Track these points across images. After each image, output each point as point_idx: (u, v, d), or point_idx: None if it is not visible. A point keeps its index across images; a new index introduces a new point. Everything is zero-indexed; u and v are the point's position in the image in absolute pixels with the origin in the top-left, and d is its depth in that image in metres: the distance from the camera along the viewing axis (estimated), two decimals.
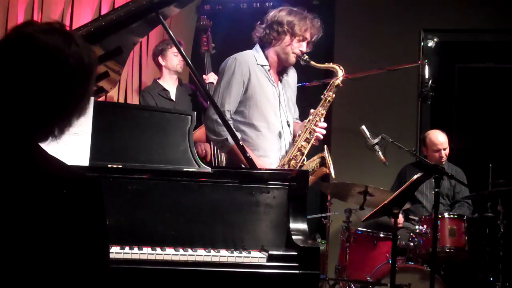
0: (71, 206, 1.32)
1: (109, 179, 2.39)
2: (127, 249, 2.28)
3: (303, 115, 3.71)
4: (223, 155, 4.24)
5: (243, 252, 2.39)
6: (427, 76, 4.04)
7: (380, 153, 3.60)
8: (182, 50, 2.89)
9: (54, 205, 1.30)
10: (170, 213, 2.42)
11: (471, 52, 5.71)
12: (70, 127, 1.43)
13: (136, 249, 2.29)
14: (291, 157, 3.42)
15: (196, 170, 2.53)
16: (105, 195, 1.37)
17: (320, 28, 3.51)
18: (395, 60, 4.73)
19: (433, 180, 3.58)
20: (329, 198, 4.59)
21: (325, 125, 3.49)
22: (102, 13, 4.66)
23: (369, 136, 3.61)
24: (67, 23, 4.55)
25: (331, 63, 3.55)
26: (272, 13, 3.50)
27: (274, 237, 2.49)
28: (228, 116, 3.36)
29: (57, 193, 1.31)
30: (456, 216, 4.54)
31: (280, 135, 3.48)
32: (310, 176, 3.36)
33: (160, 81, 4.61)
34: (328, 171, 3.45)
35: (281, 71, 3.58)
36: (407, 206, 4.24)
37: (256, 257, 2.36)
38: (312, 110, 3.48)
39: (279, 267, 2.37)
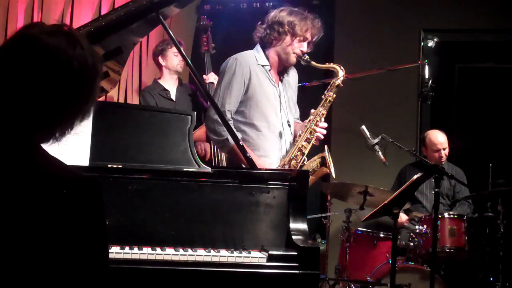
0: (71, 206, 1.32)
1: (109, 179, 2.39)
2: (127, 249, 2.28)
3: (303, 115, 3.71)
4: (223, 155, 4.24)
5: (243, 252, 2.39)
6: (427, 76, 4.04)
7: (380, 153, 3.60)
8: (182, 50, 2.89)
9: (54, 205, 1.30)
10: (170, 213, 2.42)
11: (471, 52, 5.71)
12: (72, 130, 1.43)
13: (136, 249, 2.29)
14: (291, 157, 3.42)
15: (196, 170, 2.53)
16: (105, 195, 1.37)
17: (321, 28, 3.51)
18: (395, 60, 4.73)
19: (433, 180, 3.58)
20: (329, 198, 4.59)
21: (325, 125, 3.49)
22: (102, 13, 4.66)
23: (369, 136, 3.61)
24: (67, 23, 4.54)
25: (331, 63, 3.55)
26: (273, 13, 3.50)
27: (274, 237, 2.49)
28: (228, 116, 3.36)
29: (57, 193, 1.31)
30: (456, 216, 4.54)
31: (280, 135, 3.48)
32: (310, 176, 3.37)
33: (161, 81, 4.61)
34: (328, 171, 3.45)
35: (281, 71, 3.58)
36: (407, 206, 4.25)
37: (256, 257, 2.36)
38: (312, 110, 3.48)
39: (279, 267, 2.37)
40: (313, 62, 3.46)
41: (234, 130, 3.02)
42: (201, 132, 4.15)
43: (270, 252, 2.39)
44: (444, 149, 4.87)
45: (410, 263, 4.32)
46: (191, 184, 2.46)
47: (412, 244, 4.40)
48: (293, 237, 2.46)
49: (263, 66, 3.47)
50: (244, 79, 3.40)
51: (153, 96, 4.50)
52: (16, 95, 1.35)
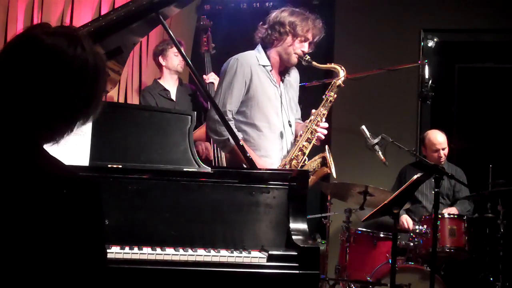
0: (70, 206, 1.32)
1: (109, 179, 2.39)
2: (127, 249, 2.28)
3: (303, 114, 3.71)
4: (223, 155, 4.24)
5: (243, 252, 2.39)
6: (427, 76, 4.04)
7: (380, 153, 3.60)
8: (182, 50, 2.89)
9: (54, 205, 1.30)
10: (170, 213, 2.42)
11: (471, 52, 5.71)
12: (72, 131, 1.42)
13: (136, 249, 2.29)
14: (292, 157, 3.43)
15: (196, 170, 2.53)
16: (105, 195, 1.37)
17: (322, 29, 3.52)
18: (395, 60, 4.73)
19: (433, 180, 3.58)
20: (329, 198, 4.59)
21: (326, 125, 3.50)
22: (102, 13, 4.66)
23: (369, 136, 3.61)
24: (67, 23, 4.54)
25: (332, 64, 3.56)
26: (274, 14, 3.51)
27: (274, 237, 2.49)
28: (229, 116, 3.36)
29: (57, 193, 1.31)
30: (456, 216, 4.55)
31: (281, 135, 3.48)
32: (311, 176, 3.38)
33: (161, 81, 4.61)
34: (329, 171, 3.46)
35: (283, 72, 3.59)
36: (407, 206, 4.25)
37: (256, 257, 2.36)
38: (313, 110, 3.48)
39: (279, 267, 2.37)
40: (314, 63, 3.46)
41: (235, 130, 3.02)
42: (201, 132, 4.15)
43: (270, 252, 2.39)
44: (443, 149, 4.87)
45: (410, 263, 4.32)
46: (191, 184, 2.46)
47: (412, 244, 4.40)
48: (293, 237, 2.46)
49: (264, 66, 3.48)
50: (245, 79, 3.40)
51: (153, 96, 4.50)
52: (17, 94, 1.35)
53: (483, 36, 5.67)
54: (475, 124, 5.66)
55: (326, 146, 3.52)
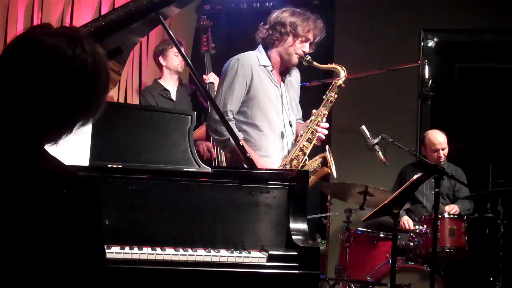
0: (69, 206, 1.32)
1: (109, 179, 2.38)
2: (127, 249, 2.28)
3: (304, 114, 3.71)
4: (223, 154, 4.24)
5: (243, 252, 2.39)
6: (427, 76, 4.04)
7: (380, 153, 3.60)
8: (182, 50, 2.89)
9: (54, 205, 1.30)
10: (170, 213, 2.42)
11: (471, 52, 5.71)
12: (72, 131, 1.42)
13: (136, 249, 2.29)
14: (293, 157, 3.43)
15: (196, 170, 2.53)
16: (105, 195, 1.37)
17: (323, 29, 3.52)
18: (395, 60, 4.73)
19: (433, 180, 3.59)
20: (329, 198, 4.59)
21: (327, 125, 3.50)
22: (102, 13, 4.66)
23: (369, 136, 3.61)
24: (67, 23, 4.54)
25: (333, 64, 3.56)
26: (275, 14, 3.51)
27: (274, 237, 2.48)
28: (230, 116, 3.37)
29: (57, 193, 1.31)
30: (456, 216, 4.55)
31: (282, 135, 3.49)
32: (311, 176, 3.38)
33: (161, 81, 4.61)
34: (330, 171, 3.46)
35: (284, 72, 3.59)
36: (407, 206, 4.25)
37: (256, 257, 2.36)
38: (314, 111, 3.48)
39: (279, 267, 2.37)
40: (315, 63, 3.47)
41: (235, 130, 3.02)
42: (201, 132, 4.15)
43: (270, 252, 2.39)
44: (443, 149, 4.87)
45: (410, 263, 4.32)
46: (191, 184, 2.46)
47: (412, 244, 4.40)
48: (293, 237, 2.46)
49: (265, 66, 3.48)
50: (246, 79, 3.40)
51: (153, 96, 4.50)
52: (17, 95, 1.35)
53: (483, 36, 5.68)
54: (475, 124, 5.66)
55: (327, 146, 3.52)
